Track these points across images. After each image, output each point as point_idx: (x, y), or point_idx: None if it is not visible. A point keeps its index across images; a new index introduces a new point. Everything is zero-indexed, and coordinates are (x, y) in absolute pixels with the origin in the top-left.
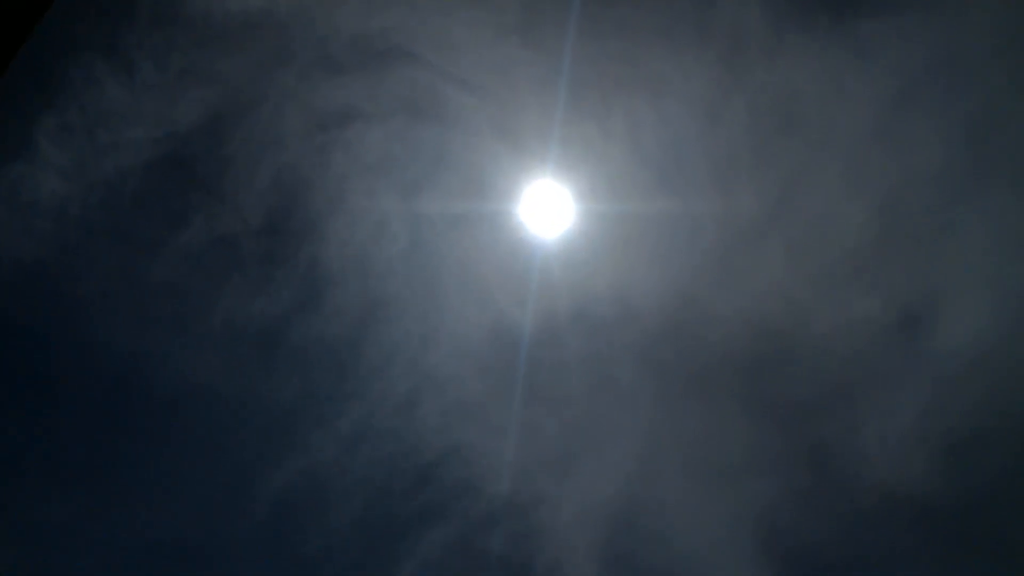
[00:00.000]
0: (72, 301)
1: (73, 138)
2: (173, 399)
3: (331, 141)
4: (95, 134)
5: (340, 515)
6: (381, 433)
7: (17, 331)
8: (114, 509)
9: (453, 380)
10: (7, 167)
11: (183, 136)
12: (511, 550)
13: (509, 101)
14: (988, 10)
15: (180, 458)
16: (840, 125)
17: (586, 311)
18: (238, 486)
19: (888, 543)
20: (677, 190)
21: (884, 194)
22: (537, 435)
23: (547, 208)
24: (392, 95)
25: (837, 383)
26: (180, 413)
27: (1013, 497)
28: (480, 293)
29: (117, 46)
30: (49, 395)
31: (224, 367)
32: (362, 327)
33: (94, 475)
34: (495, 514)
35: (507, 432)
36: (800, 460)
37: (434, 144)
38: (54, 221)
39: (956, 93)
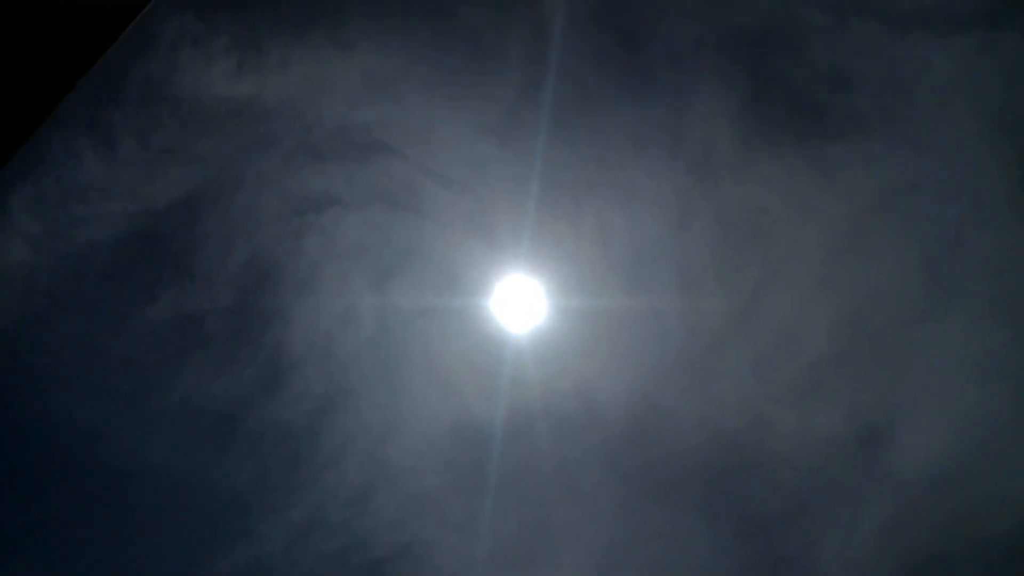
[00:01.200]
0: (30, 371)
1: (47, 209)
2: (124, 476)
3: (306, 226)
4: (69, 206)
5: None
6: (333, 525)
7: None
8: None
9: (411, 473)
10: None
11: (159, 212)
12: None
13: (485, 197)
14: (948, 137)
15: (128, 537)
16: (805, 241)
17: (553, 409)
18: (186, 570)
19: None
20: (645, 293)
21: (847, 310)
22: (497, 534)
23: (518, 303)
24: (370, 185)
25: (798, 497)
26: (131, 491)
27: None
28: (445, 385)
29: (101, 121)
30: None
31: (179, 447)
32: (321, 414)
33: (39, 548)
34: None
35: (466, 529)
36: (760, 574)
37: (408, 235)
38: (20, 291)
39: (919, 214)
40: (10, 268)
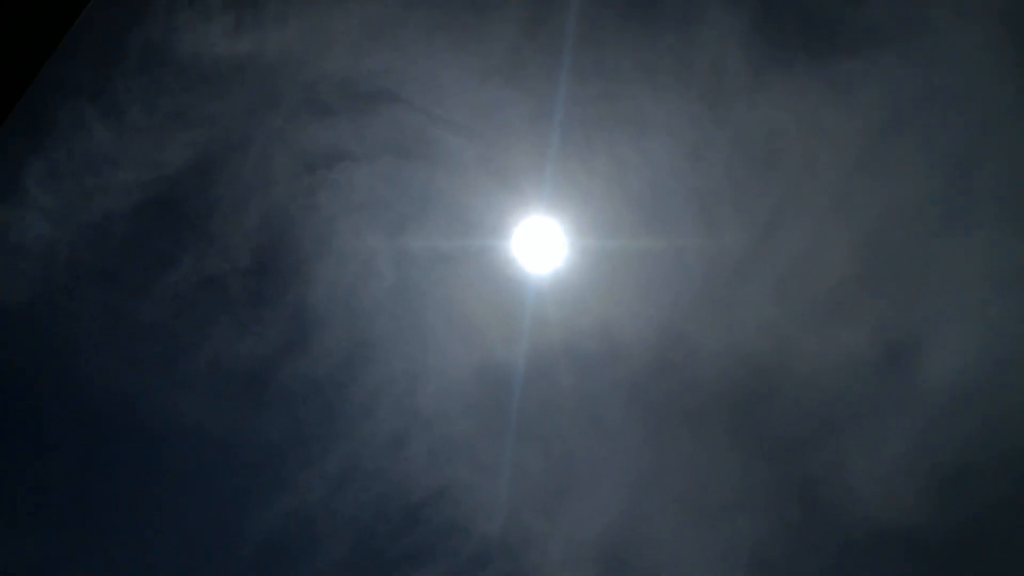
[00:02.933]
0: (60, 343)
1: (61, 182)
2: (161, 439)
3: (318, 182)
4: (82, 178)
5: (327, 556)
6: (368, 473)
7: (4, 373)
8: (99, 549)
9: (441, 419)
10: None
11: (171, 178)
12: None
13: (495, 140)
14: (965, 48)
15: (167, 498)
16: (822, 161)
17: (575, 347)
18: (225, 526)
19: (878, 572)
20: (663, 226)
21: (868, 228)
22: (527, 473)
23: (537, 244)
24: (379, 136)
25: (825, 418)
26: (168, 453)
27: (1001, 531)
28: (469, 330)
29: (105, 90)
30: (35, 435)
31: (211, 407)
32: (349, 367)
33: (81, 515)
34: (485, 554)
35: (497, 471)
36: (789, 495)
37: (421, 183)
38: (42, 264)
39: (936, 128)
40: (30, 243)
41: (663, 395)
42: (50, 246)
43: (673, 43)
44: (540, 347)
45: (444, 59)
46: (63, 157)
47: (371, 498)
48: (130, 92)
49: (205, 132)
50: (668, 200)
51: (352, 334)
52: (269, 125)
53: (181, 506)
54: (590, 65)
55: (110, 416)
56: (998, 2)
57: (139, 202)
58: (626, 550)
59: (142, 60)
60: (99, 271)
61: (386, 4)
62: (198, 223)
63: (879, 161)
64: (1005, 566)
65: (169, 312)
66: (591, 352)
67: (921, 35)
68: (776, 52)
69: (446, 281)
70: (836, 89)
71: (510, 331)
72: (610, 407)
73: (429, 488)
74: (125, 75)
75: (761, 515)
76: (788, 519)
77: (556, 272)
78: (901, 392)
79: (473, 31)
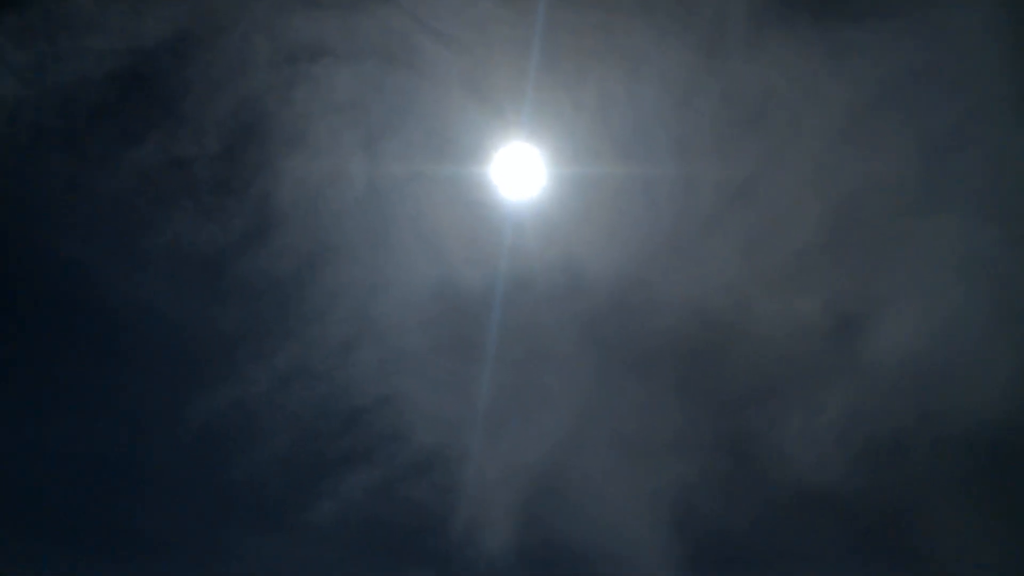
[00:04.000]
0: (15, 204)
1: (34, 40)
2: (112, 313)
3: (299, 75)
4: (57, 39)
5: (266, 448)
6: (316, 374)
7: None
8: (31, 415)
9: (395, 330)
10: None
11: (148, 52)
12: (432, 501)
13: (485, 59)
14: (965, 31)
15: (112, 373)
16: (808, 125)
17: (539, 277)
18: (167, 408)
19: (799, 536)
20: (642, 169)
21: (842, 198)
22: (474, 393)
23: (514, 170)
24: (365, 36)
25: (770, 378)
26: (118, 328)
27: (923, 507)
28: (435, 248)
29: None
30: None
31: (166, 289)
32: (308, 268)
33: (25, 377)
34: (421, 464)
35: (444, 387)
36: (724, 447)
37: (404, 93)
38: (5, 122)
39: (925, 107)
40: None
41: (617, 335)
42: (16, 105)
43: None
44: (503, 273)
45: None
46: (39, 15)
47: (316, 398)
48: None
49: (189, 8)
50: (649, 143)
51: (315, 234)
52: (255, 10)
53: (125, 383)
54: None
55: (63, 284)
56: None
57: (113, 71)
58: (558, 478)
59: None
60: (64, 137)
61: None
62: (171, 102)
63: (864, 133)
64: (922, 541)
65: (131, 188)
66: (554, 283)
67: (925, 12)
68: (780, 9)
69: (418, 196)
70: (833, 56)
71: (475, 254)
72: (564, 340)
73: (374, 395)
74: None
75: (694, 462)
76: (720, 470)
77: (530, 201)
78: (846, 363)
79: None
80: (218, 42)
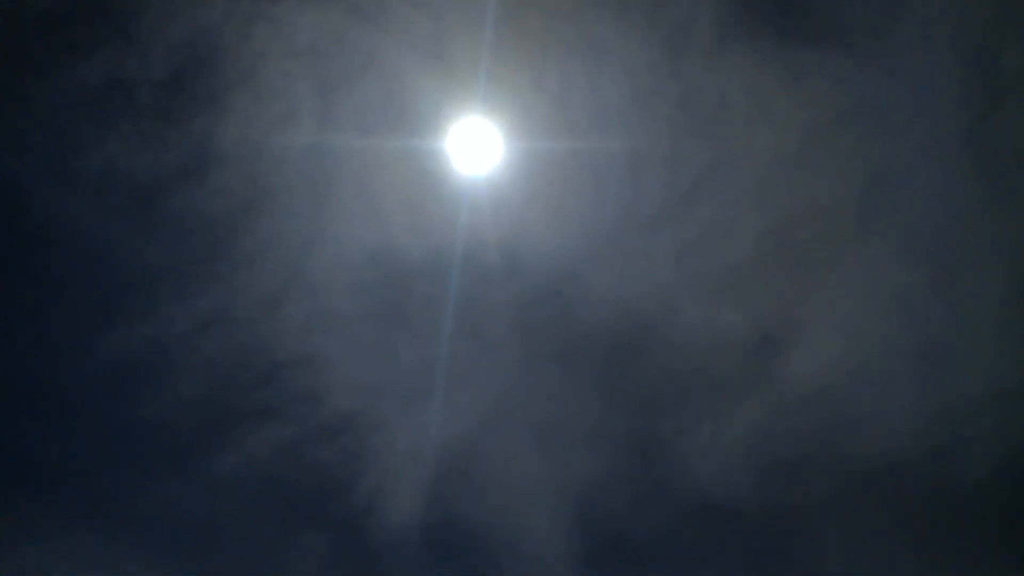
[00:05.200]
0: None
1: None
2: (37, 228)
3: (259, 12)
4: None
5: (178, 390)
6: (238, 322)
7: None
8: None
9: (325, 289)
10: None
11: None
12: (338, 465)
13: (453, 26)
14: (922, 68)
15: (30, 289)
16: (757, 142)
17: (478, 256)
18: (81, 337)
19: (694, 543)
20: (593, 158)
21: (780, 217)
22: (396, 363)
23: (465, 145)
24: None
25: (687, 387)
26: (41, 244)
27: (817, 527)
28: (376, 211)
29: None
30: None
31: (95, 213)
32: (244, 212)
33: None
34: (332, 427)
35: (367, 353)
36: (635, 448)
37: (365, 48)
38: None
39: (872, 141)
40: None
41: (546, 324)
42: None
43: None
44: (441, 245)
45: None
46: None
47: (235, 346)
48: None
49: None
50: (603, 135)
51: (255, 179)
52: None
53: (39, 304)
54: None
55: None
56: (965, 36)
57: None
58: (468, 459)
59: None
60: (3, 41)
61: None
62: (122, 20)
63: (810, 156)
64: (811, 562)
65: (69, 103)
66: (491, 263)
67: (886, 45)
68: (747, 21)
69: (366, 157)
70: (792, 75)
71: (419, 224)
72: (494, 322)
73: (295, 352)
74: None
75: (603, 460)
76: (627, 470)
77: (481, 177)
78: (761, 380)
79: None
80: None
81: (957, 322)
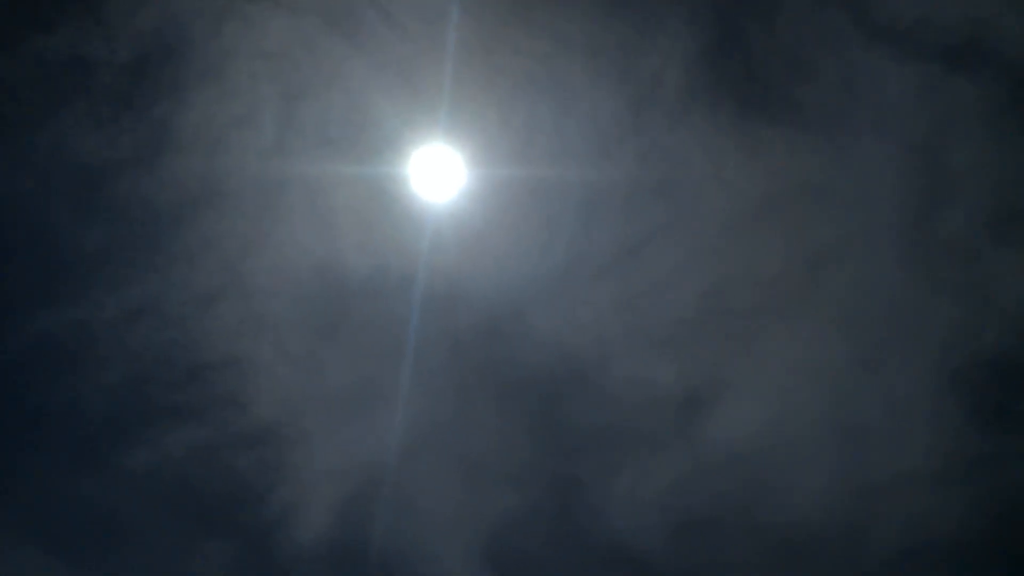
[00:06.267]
0: None
1: None
2: None
3: (233, 10)
4: None
5: (98, 379)
6: (168, 317)
7: None
8: None
9: (263, 295)
10: None
11: None
12: (254, 475)
13: (429, 50)
14: (869, 161)
15: None
16: (710, 207)
17: (420, 280)
18: (5, 309)
19: None
20: (548, 198)
21: (720, 282)
22: (326, 376)
23: (424, 169)
24: None
25: (613, 435)
26: None
27: None
28: (326, 224)
29: None
30: None
31: (36, 188)
32: (191, 206)
33: None
34: (252, 436)
35: (298, 364)
36: (555, 491)
37: (335, 60)
38: None
39: (816, 218)
40: None
41: (485, 358)
42: None
43: (627, 33)
44: (389, 267)
45: None
46: None
47: (161, 341)
48: None
49: None
50: (561, 179)
51: (207, 174)
52: None
53: None
54: (540, 18)
55: None
56: (914, 134)
57: None
58: (385, 480)
59: None
60: None
61: None
62: None
63: (759, 225)
64: None
65: (25, 76)
66: (435, 290)
67: (841, 131)
68: (712, 88)
69: (324, 167)
70: (750, 146)
71: (365, 240)
72: (431, 351)
73: (223, 354)
74: None
75: (523, 499)
76: (545, 512)
77: (436, 205)
78: (683, 438)
79: None
80: None
81: (881, 403)
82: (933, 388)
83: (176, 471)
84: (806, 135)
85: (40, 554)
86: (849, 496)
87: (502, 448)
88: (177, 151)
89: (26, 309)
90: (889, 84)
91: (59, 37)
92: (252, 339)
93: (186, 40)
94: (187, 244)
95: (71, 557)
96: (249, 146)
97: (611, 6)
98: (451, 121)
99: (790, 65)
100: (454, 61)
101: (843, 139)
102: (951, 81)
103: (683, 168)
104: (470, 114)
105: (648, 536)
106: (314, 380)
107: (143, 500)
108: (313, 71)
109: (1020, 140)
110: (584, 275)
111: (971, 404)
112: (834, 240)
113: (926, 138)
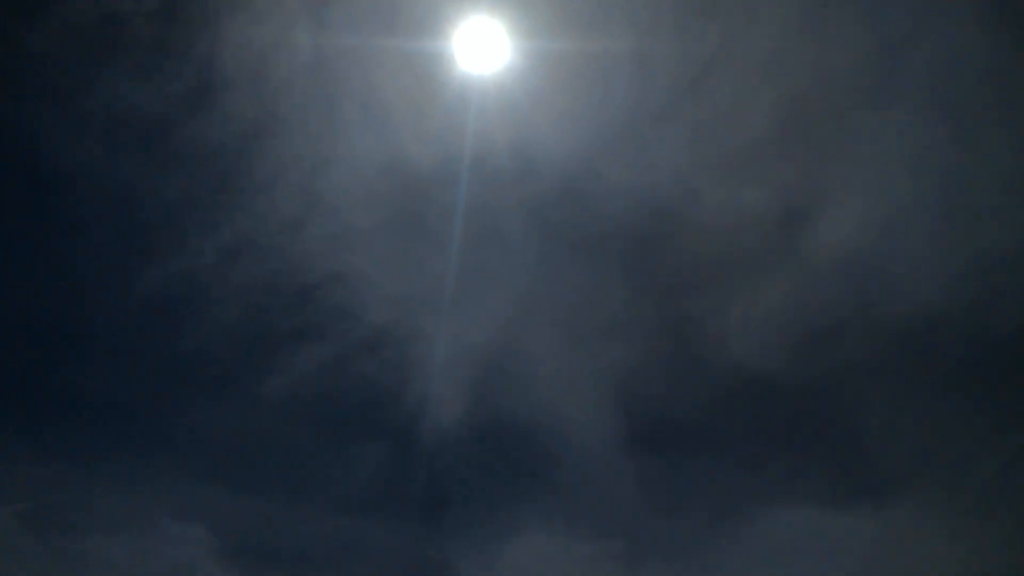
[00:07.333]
0: None
1: None
2: (53, 177)
3: None
4: None
5: (215, 320)
6: (263, 248)
7: None
8: None
9: (344, 207)
10: None
11: None
12: (384, 377)
13: None
14: None
15: (57, 243)
16: (763, 16)
17: (490, 159)
18: (114, 279)
19: (736, 419)
20: (601, 48)
21: (792, 92)
22: (423, 273)
23: (469, 47)
24: None
25: (714, 267)
26: (63, 193)
27: (854, 390)
28: (385, 124)
29: None
30: None
31: (106, 154)
32: (252, 139)
33: None
34: (372, 340)
35: (394, 266)
36: (667, 333)
37: None
38: None
39: (878, 4)
40: None
41: (565, 220)
42: None
43: None
44: (454, 153)
45: None
46: None
47: (265, 272)
48: None
49: None
50: (610, 23)
51: (260, 103)
52: None
53: (70, 252)
54: None
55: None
56: None
57: None
58: (506, 357)
59: None
60: None
61: None
62: None
63: (819, 25)
64: (852, 425)
65: (61, 43)
66: (504, 167)
67: None
68: None
69: (365, 68)
70: None
71: (425, 132)
72: (513, 223)
73: (324, 272)
74: None
75: (637, 346)
76: (662, 354)
77: (488, 78)
78: (789, 253)
79: None
80: None
81: (980, 177)
82: None
83: (312, 388)
84: None
85: (208, 485)
86: (967, 276)
87: (607, 303)
88: (225, 86)
89: (130, 270)
90: None
91: None
92: (345, 252)
93: None
94: (260, 176)
95: (233, 484)
96: (291, 64)
97: None
98: None
99: None
100: None
101: None
102: None
103: None
104: None
105: (770, 355)
106: (410, 276)
107: (287, 421)
108: None
109: None
110: (648, 119)
111: None
112: (904, 20)
113: None
